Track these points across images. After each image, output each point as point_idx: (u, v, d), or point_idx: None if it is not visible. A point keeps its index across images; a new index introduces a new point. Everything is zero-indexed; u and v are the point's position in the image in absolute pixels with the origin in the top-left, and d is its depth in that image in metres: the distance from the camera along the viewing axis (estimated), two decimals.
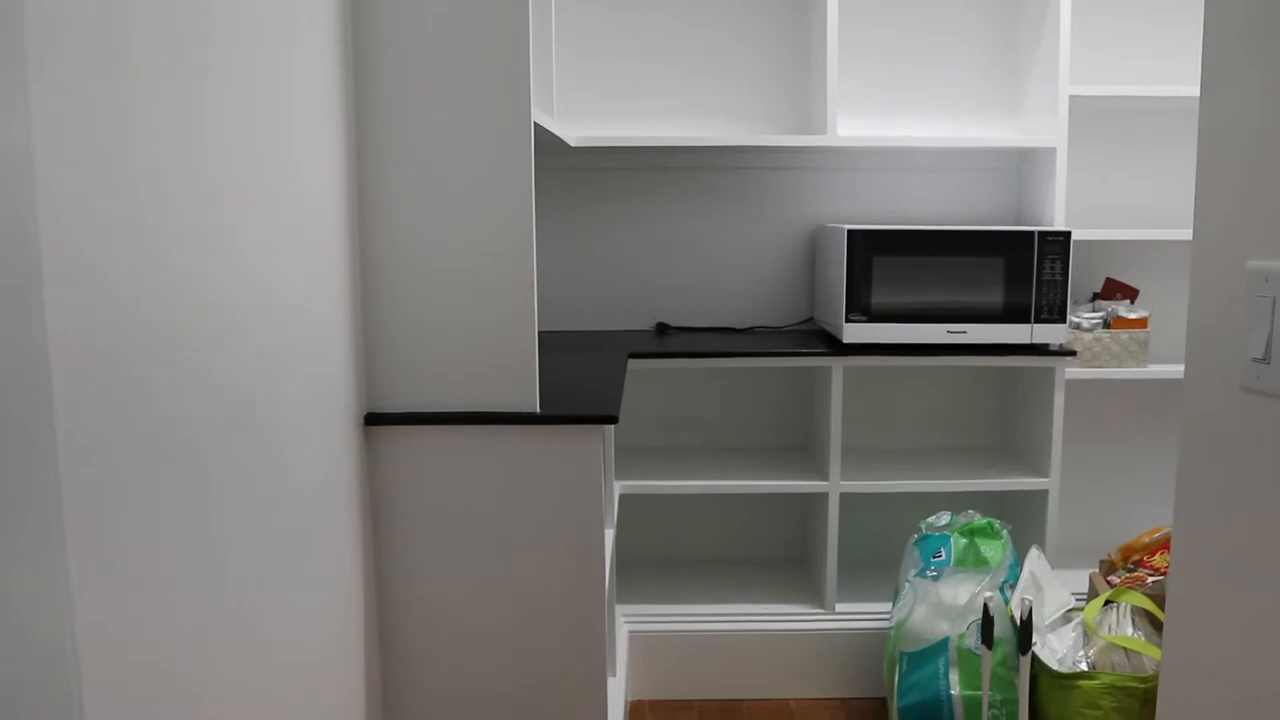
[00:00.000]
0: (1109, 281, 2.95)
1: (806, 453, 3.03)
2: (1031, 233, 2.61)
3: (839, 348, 2.67)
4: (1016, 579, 2.46)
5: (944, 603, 2.40)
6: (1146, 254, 3.03)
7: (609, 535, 2.35)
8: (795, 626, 2.75)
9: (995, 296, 2.63)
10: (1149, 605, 2.36)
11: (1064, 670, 2.28)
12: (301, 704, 1.43)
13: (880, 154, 2.97)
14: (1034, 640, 2.30)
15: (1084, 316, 2.82)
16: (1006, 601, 2.39)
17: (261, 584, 1.28)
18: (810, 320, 3.04)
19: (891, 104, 2.97)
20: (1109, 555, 2.70)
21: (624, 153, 2.95)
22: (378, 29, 1.70)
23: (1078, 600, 2.64)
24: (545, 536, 1.82)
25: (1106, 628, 2.34)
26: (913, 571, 2.54)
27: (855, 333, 2.64)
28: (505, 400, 1.80)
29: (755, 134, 2.94)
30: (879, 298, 2.63)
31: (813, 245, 3.01)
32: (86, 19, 0.88)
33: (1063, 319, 2.64)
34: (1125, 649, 2.28)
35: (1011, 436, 3.03)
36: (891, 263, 2.62)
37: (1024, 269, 2.61)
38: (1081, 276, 2.99)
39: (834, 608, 2.77)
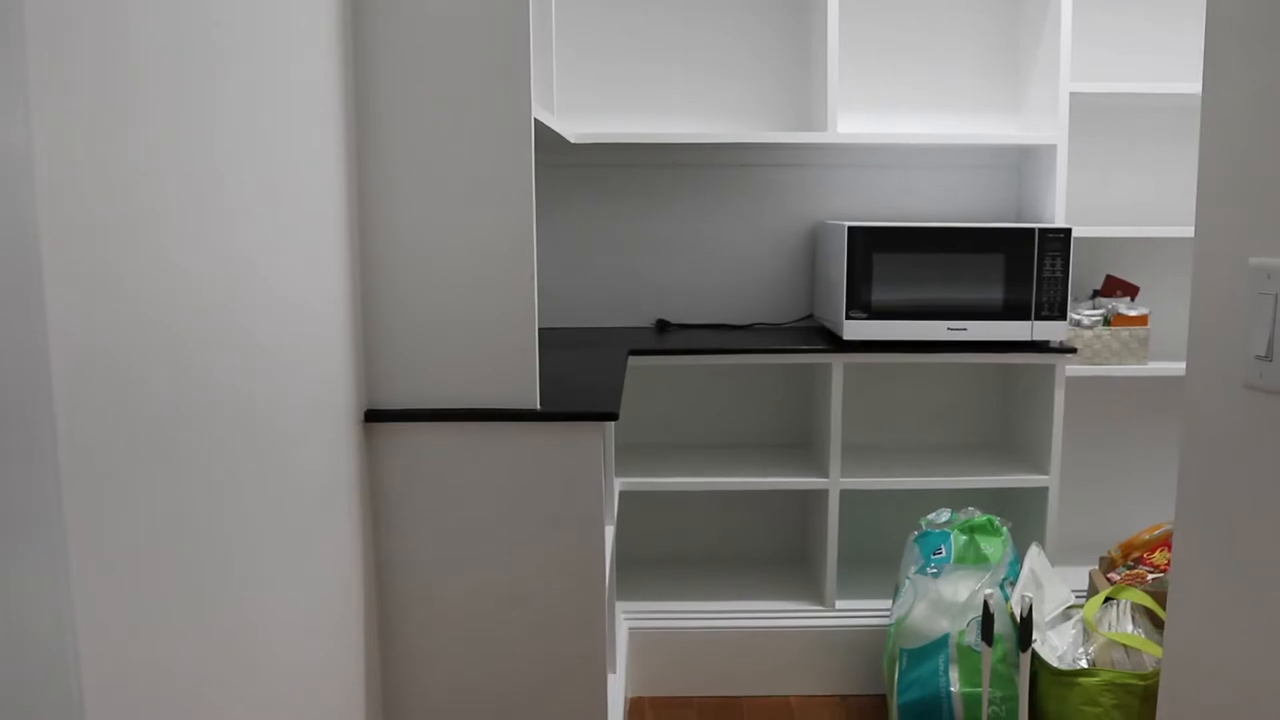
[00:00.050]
0: (1109, 279, 2.95)
1: (806, 450, 3.03)
2: (1032, 230, 2.61)
3: (839, 344, 2.67)
4: (1016, 576, 2.46)
5: (944, 600, 2.41)
6: (1147, 251, 3.03)
7: (609, 532, 2.35)
8: (795, 623, 2.75)
9: (995, 293, 2.63)
10: (1149, 602, 2.36)
11: (1064, 667, 2.28)
12: (301, 702, 1.44)
13: (881, 151, 2.97)
14: (1034, 637, 2.31)
15: (1084, 314, 2.82)
16: (1006, 598, 2.39)
17: (262, 582, 1.28)
18: (810, 317, 3.04)
19: (892, 101, 2.97)
20: (1109, 552, 2.70)
21: (624, 149, 2.95)
22: (378, 26, 1.70)
23: (1077, 597, 2.64)
24: (546, 533, 1.82)
25: (1106, 625, 2.34)
26: (913, 568, 2.54)
27: (855, 329, 2.64)
28: (505, 397, 1.79)
29: (756, 131, 2.94)
30: (879, 294, 2.63)
31: (813, 242, 3.01)
32: (86, 19, 0.88)
33: (1063, 316, 2.63)
34: (1125, 646, 2.28)
35: (1012, 433, 3.03)
36: (892, 260, 2.62)
37: (1024, 266, 2.61)
38: (1082, 273, 2.99)
39: (834, 605, 2.77)
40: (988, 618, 2.30)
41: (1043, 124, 2.80)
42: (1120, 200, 3.01)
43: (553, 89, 2.58)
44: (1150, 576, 2.50)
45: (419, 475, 1.80)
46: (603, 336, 2.81)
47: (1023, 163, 2.97)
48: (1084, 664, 2.29)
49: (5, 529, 0.71)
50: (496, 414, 1.79)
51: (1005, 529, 2.57)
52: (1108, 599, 2.40)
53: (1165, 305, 3.03)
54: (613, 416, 1.79)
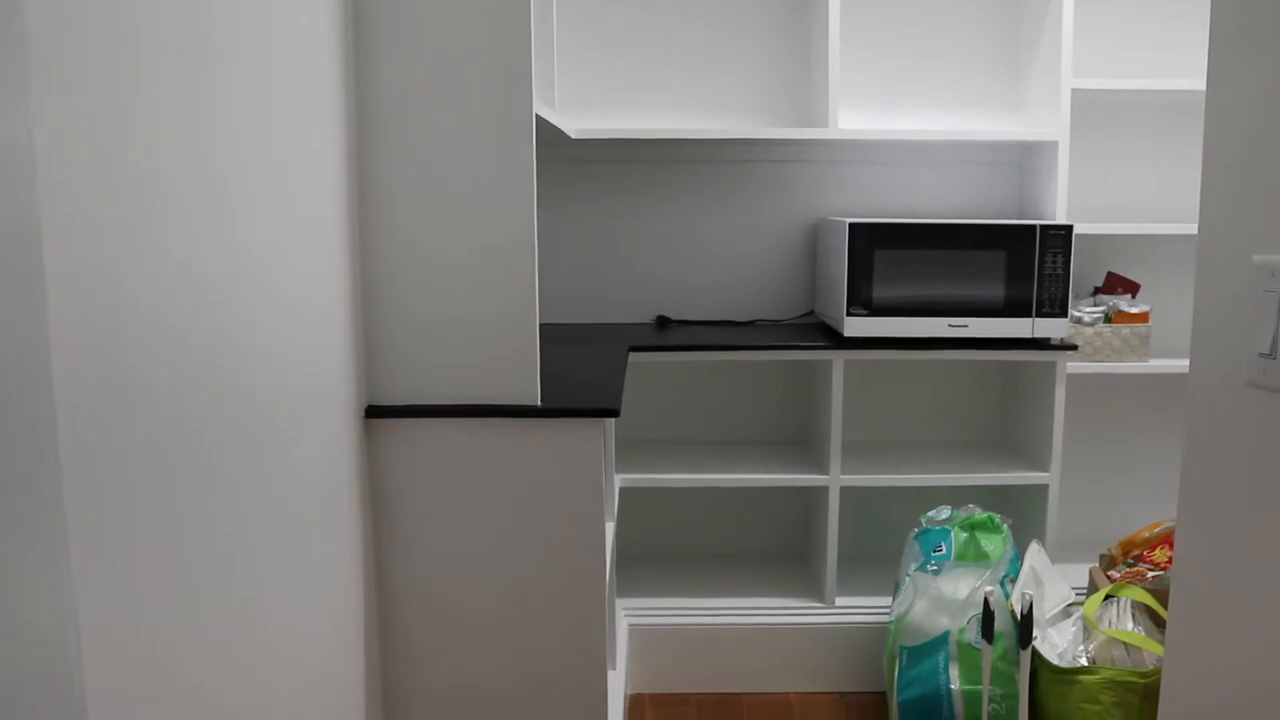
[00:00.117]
0: (1110, 276, 2.95)
1: (807, 446, 3.03)
2: (1033, 226, 2.60)
3: (840, 341, 2.67)
4: (1017, 573, 2.46)
5: (944, 597, 2.41)
6: (1148, 248, 3.03)
7: (609, 528, 2.35)
8: (795, 620, 2.75)
9: (996, 290, 2.63)
10: (1149, 600, 2.36)
11: (1064, 665, 2.28)
12: (302, 698, 1.43)
13: (882, 147, 2.97)
14: (1034, 635, 2.31)
15: (1085, 311, 2.82)
16: (1007, 596, 2.39)
17: (263, 580, 1.28)
18: (811, 314, 3.03)
19: (893, 97, 2.96)
20: (1109, 550, 2.70)
21: (625, 145, 2.95)
22: (379, 22, 1.70)
23: (1078, 595, 2.64)
24: (546, 529, 1.82)
25: (1107, 622, 2.34)
26: (913, 566, 2.54)
27: (856, 326, 2.63)
28: (506, 393, 1.79)
29: (757, 126, 2.93)
30: (880, 291, 2.62)
31: (814, 238, 3.01)
32: (88, 19, 0.88)
33: (1064, 313, 2.63)
34: (1125, 644, 2.28)
35: (1012, 431, 3.03)
36: (893, 256, 2.61)
37: (1025, 263, 2.61)
38: (1083, 271, 2.98)
39: (834, 602, 2.77)
40: (988, 615, 2.30)
41: (1044, 120, 2.79)
42: (1122, 197, 3.01)
43: (554, 84, 2.58)
44: (1150, 574, 2.50)
45: (419, 471, 1.80)
46: (603, 332, 2.81)
47: (1024, 159, 2.97)
48: (1084, 661, 2.29)
49: (7, 527, 0.71)
50: (497, 410, 1.78)
51: (1006, 526, 2.57)
52: (1108, 596, 2.40)
53: (1166, 303, 3.02)
54: (614, 413, 1.79)
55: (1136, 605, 2.36)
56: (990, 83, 2.97)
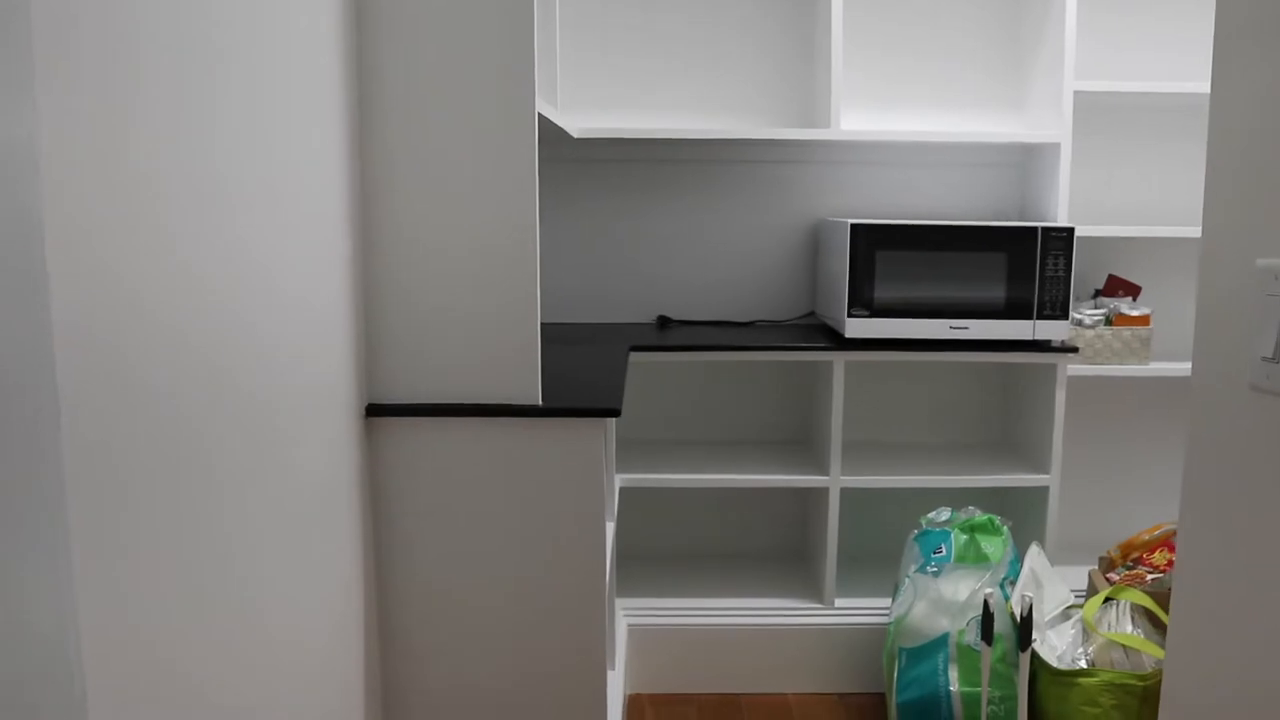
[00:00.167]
0: (1111, 278, 2.95)
1: (807, 447, 3.03)
2: (1035, 228, 2.60)
3: (841, 342, 2.67)
4: (1017, 575, 2.46)
5: (944, 599, 2.40)
6: (1149, 251, 3.03)
7: (610, 528, 2.35)
8: (794, 621, 2.75)
9: (998, 292, 2.62)
10: (1148, 603, 2.36)
11: (1063, 667, 2.28)
12: (302, 697, 1.43)
13: (884, 148, 2.96)
14: (1034, 637, 2.30)
15: (1086, 313, 2.82)
16: (1006, 598, 2.39)
17: (263, 580, 1.28)
18: (812, 314, 3.03)
19: (895, 98, 2.96)
20: (1108, 552, 2.70)
21: (627, 145, 2.94)
22: (381, 21, 1.69)
23: (1077, 597, 2.64)
24: (546, 529, 1.81)
25: (1106, 625, 2.34)
26: (913, 567, 2.54)
27: (857, 327, 2.63)
28: (507, 392, 1.79)
29: (759, 127, 2.93)
30: (881, 292, 2.62)
31: (815, 239, 3.00)
32: (89, 18, 0.87)
33: (1065, 315, 2.63)
34: (1124, 646, 2.28)
35: (1012, 432, 3.03)
36: (894, 257, 2.61)
37: (1027, 265, 2.61)
38: (1084, 273, 2.98)
39: (833, 603, 2.77)
40: (987, 617, 2.30)
41: (1046, 122, 2.79)
42: (1123, 199, 3.01)
43: (556, 84, 2.57)
44: (1150, 577, 2.50)
45: (420, 470, 1.80)
46: (603, 332, 2.81)
47: (1026, 161, 2.97)
48: (1083, 664, 2.29)
49: (9, 527, 0.71)
50: (498, 409, 1.78)
51: (1005, 528, 2.57)
52: (1107, 599, 2.40)
53: (1167, 305, 3.02)
54: (615, 413, 1.79)
55: (1136, 608, 2.36)
56: (992, 84, 2.96)
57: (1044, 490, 2.75)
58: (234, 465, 1.19)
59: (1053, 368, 2.72)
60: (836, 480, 2.71)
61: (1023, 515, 2.87)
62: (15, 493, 0.71)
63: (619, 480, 2.69)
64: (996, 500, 3.03)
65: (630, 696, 2.73)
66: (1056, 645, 2.36)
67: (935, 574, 2.47)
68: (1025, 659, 2.30)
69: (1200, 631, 1.18)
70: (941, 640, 2.37)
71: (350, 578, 1.68)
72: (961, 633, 2.36)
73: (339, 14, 1.59)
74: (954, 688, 2.34)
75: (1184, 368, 2.72)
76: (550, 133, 2.34)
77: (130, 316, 0.95)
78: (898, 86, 2.96)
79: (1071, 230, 2.60)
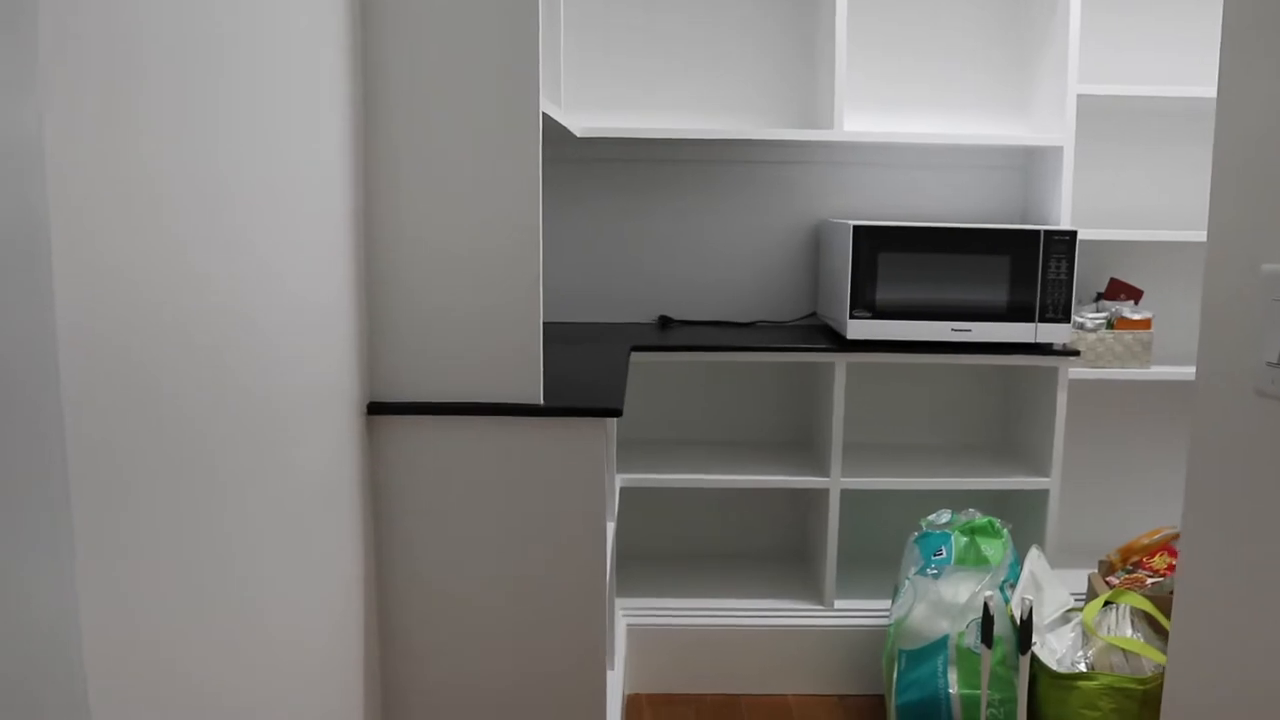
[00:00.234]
0: (1113, 282, 2.95)
1: (808, 448, 3.03)
2: (1037, 231, 2.60)
3: (842, 343, 2.67)
4: (1016, 578, 2.46)
5: (944, 601, 2.40)
6: (1151, 255, 3.03)
7: (610, 528, 2.35)
8: (794, 622, 2.75)
9: (1000, 295, 2.62)
10: (1148, 607, 2.36)
11: (1063, 670, 2.28)
12: (303, 697, 1.43)
13: (887, 150, 2.96)
14: (1033, 640, 2.30)
15: (1088, 317, 2.82)
16: (1006, 601, 2.39)
17: (263, 579, 1.28)
18: (813, 315, 3.03)
19: (898, 100, 2.96)
20: (1108, 556, 2.70)
21: (630, 144, 2.94)
22: (385, 20, 1.69)
23: (1077, 601, 2.64)
24: (547, 528, 1.81)
25: (1105, 628, 2.34)
26: (913, 569, 2.54)
27: (859, 329, 2.63)
28: (509, 391, 1.79)
29: (761, 127, 2.93)
30: (883, 294, 2.62)
31: (817, 240, 3.00)
32: (94, 15, 0.87)
33: (1067, 319, 2.63)
34: (1124, 650, 2.28)
35: (1013, 435, 3.02)
36: (897, 259, 2.61)
37: (1029, 268, 2.61)
38: (1086, 276, 2.98)
39: (833, 604, 2.77)
40: (987, 620, 2.30)
41: (1050, 125, 2.79)
42: (1126, 203, 3.01)
43: (560, 83, 2.57)
44: (1149, 581, 2.50)
45: (421, 469, 1.79)
46: (605, 332, 2.80)
47: (1029, 164, 2.97)
48: (1083, 667, 2.29)
49: (12, 525, 0.71)
50: (500, 408, 1.78)
51: (1006, 531, 2.57)
52: (1107, 603, 2.40)
53: (1169, 309, 3.02)
54: (616, 413, 1.78)
55: (1135, 612, 2.36)
56: (996, 86, 2.96)
57: (1044, 493, 2.75)
58: (236, 463, 1.19)
59: (1054, 371, 2.72)
60: (837, 481, 2.71)
61: (1023, 518, 2.87)
62: (18, 491, 0.71)
63: (620, 480, 2.69)
64: (997, 503, 3.03)
65: (629, 697, 2.73)
66: (1056, 648, 2.36)
67: (935, 576, 2.47)
68: (1025, 662, 2.29)
69: (1203, 635, 1.18)
70: (941, 643, 2.37)
71: (351, 576, 1.67)
72: (961, 635, 2.36)
73: (343, 11, 1.59)
74: (953, 690, 2.34)
75: (1185, 372, 2.72)
76: (553, 132, 2.34)
77: (133, 315, 0.95)
78: (900, 88, 2.96)
79: (1074, 233, 2.60)
